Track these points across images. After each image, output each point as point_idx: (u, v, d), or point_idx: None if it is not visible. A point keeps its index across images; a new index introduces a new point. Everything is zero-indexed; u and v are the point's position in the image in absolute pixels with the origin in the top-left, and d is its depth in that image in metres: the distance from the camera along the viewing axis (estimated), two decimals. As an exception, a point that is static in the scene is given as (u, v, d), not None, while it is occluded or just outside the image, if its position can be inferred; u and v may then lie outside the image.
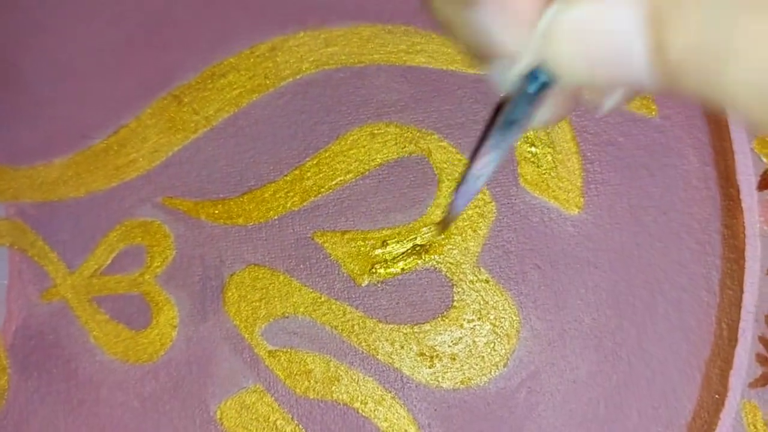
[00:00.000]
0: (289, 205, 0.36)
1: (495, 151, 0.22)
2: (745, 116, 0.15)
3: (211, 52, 0.37)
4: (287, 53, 0.37)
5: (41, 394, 0.36)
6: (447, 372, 0.34)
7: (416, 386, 0.34)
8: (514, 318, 0.34)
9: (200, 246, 0.36)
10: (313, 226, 0.35)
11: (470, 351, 0.34)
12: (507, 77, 0.21)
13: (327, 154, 0.36)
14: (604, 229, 0.34)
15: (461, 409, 0.34)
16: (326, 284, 0.35)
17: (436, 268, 0.34)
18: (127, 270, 0.37)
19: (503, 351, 0.34)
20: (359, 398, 0.34)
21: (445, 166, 0.35)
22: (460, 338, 0.34)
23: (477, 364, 0.34)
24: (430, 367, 0.34)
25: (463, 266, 0.34)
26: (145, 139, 0.37)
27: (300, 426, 0.34)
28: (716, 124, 0.34)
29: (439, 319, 0.34)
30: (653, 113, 0.34)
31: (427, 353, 0.34)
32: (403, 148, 0.35)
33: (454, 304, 0.34)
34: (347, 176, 0.36)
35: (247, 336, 0.35)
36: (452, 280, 0.34)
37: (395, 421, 0.34)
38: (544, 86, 0.19)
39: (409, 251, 0.35)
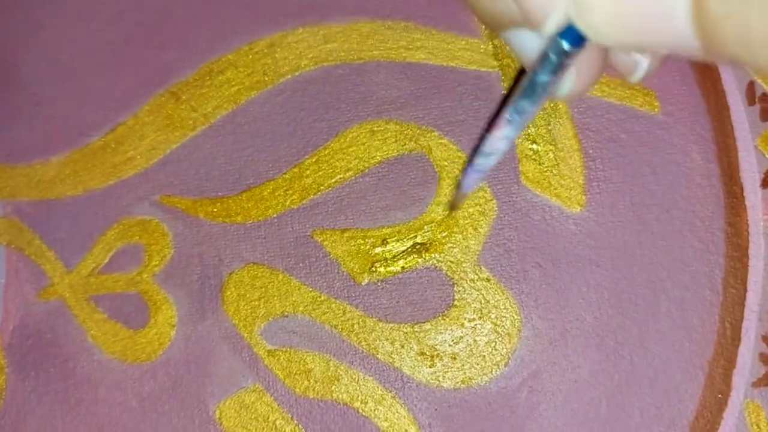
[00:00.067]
0: (288, 203, 0.35)
1: (510, 126, 0.21)
2: None
3: (209, 49, 0.37)
4: (286, 50, 0.36)
5: (39, 394, 0.36)
6: (448, 371, 0.34)
7: (417, 386, 0.34)
8: (516, 317, 0.34)
9: (199, 244, 0.36)
10: (312, 225, 0.35)
11: (471, 350, 0.34)
12: (531, 42, 0.20)
13: (326, 152, 0.36)
14: (606, 227, 0.34)
15: (462, 409, 0.33)
16: (326, 283, 0.35)
17: (436, 267, 0.34)
18: (125, 269, 0.36)
19: (504, 350, 0.34)
20: (359, 398, 0.34)
21: (446, 163, 0.35)
22: (461, 337, 0.34)
23: (478, 364, 0.34)
24: (430, 367, 0.34)
25: (464, 265, 0.34)
26: (143, 136, 0.37)
27: (300, 426, 0.34)
28: (720, 121, 0.34)
29: (440, 318, 0.34)
30: (656, 110, 0.34)
31: (427, 352, 0.34)
32: (403, 146, 0.35)
33: (455, 303, 0.34)
34: (347, 174, 0.35)
35: (246, 335, 0.35)
36: (453, 278, 0.34)
37: (395, 420, 0.34)
38: (574, 48, 0.18)
39: (410, 249, 0.34)
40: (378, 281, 0.35)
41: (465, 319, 0.34)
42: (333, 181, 0.35)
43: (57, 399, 0.36)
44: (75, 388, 0.36)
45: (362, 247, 0.35)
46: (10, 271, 0.37)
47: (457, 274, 0.34)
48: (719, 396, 0.32)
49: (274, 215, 0.36)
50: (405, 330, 0.34)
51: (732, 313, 0.33)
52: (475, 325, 0.34)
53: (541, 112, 0.34)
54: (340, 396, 0.34)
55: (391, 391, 0.34)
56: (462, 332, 0.34)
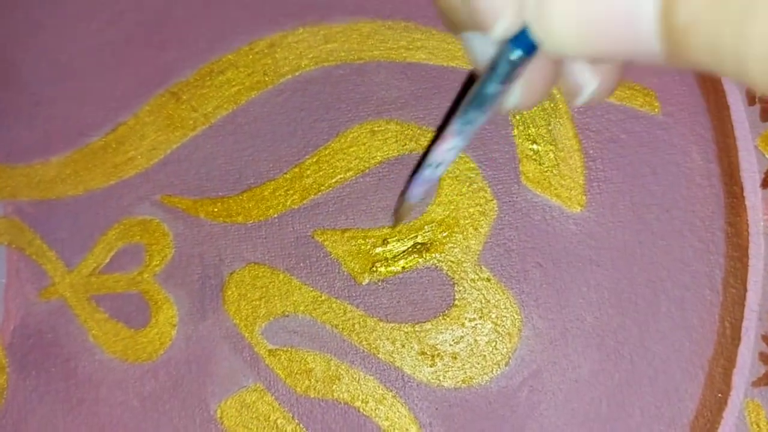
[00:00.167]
0: (288, 203, 0.36)
1: (459, 136, 0.20)
2: (756, 81, 0.13)
3: (209, 49, 0.37)
4: (286, 50, 0.36)
5: (40, 393, 0.36)
6: (448, 371, 0.34)
7: (417, 385, 0.34)
8: (516, 316, 0.34)
9: (199, 244, 0.36)
10: (313, 225, 0.35)
11: (472, 350, 0.34)
12: (483, 47, 0.19)
13: (327, 152, 0.36)
14: (607, 227, 0.34)
15: (462, 408, 0.34)
16: (326, 283, 0.35)
17: (437, 267, 0.34)
18: (125, 268, 0.36)
19: (505, 350, 0.34)
20: (360, 397, 0.34)
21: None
22: (462, 337, 0.34)
23: (478, 363, 0.34)
24: (431, 366, 0.34)
25: (465, 265, 0.34)
26: (144, 136, 0.37)
27: (301, 425, 0.34)
28: (720, 121, 0.34)
29: (441, 317, 0.34)
30: (656, 110, 0.34)
31: (428, 352, 0.34)
32: (403, 146, 0.35)
33: (456, 302, 0.34)
34: (347, 174, 0.35)
35: (247, 335, 0.35)
36: (453, 278, 0.34)
37: (396, 420, 0.34)
38: (525, 56, 0.18)
39: (410, 249, 0.34)
40: (379, 281, 0.35)
41: (466, 318, 0.34)
42: (333, 181, 0.35)
43: (58, 398, 0.36)
44: (76, 388, 0.36)
45: (363, 247, 0.35)
46: (11, 270, 0.37)
47: (457, 273, 0.34)
48: (719, 395, 0.32)
49: (275, 215, 0.36)
50: (406, 330, 0.34)
51: (732, 313, 0.33)
52: (476, 324, 0.34)
53: (542, 112, 0.34)
54: (341, 395, 0.34)
55: (391, 391, 0.34)
56: (463, 332, 0.34)
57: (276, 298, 0.35)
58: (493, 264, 0.34)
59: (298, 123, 0.36)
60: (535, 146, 0.34)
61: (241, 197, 0.36)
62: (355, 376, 0.34)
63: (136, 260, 0.36)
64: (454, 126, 0.20)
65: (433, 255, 0.34)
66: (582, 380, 0.33)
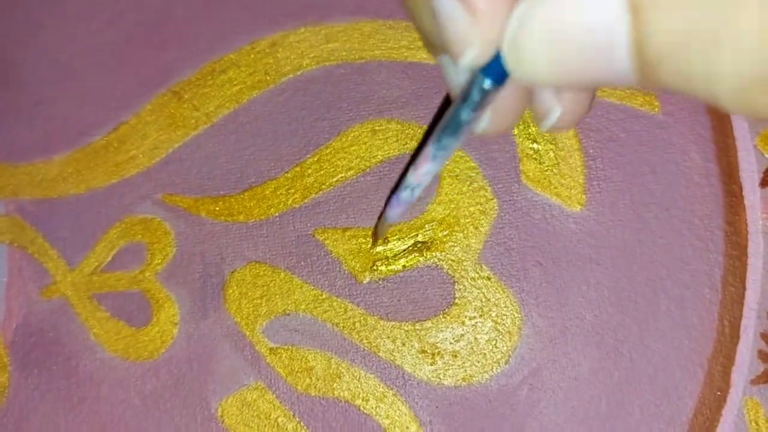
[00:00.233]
0: (290, 202, 0.36)
1: (434, 161, 0.21)
2: (726, 105, 0.14)
3: (210, 48, 0.37)
4: (288, 49, 0.37)
5: (41, 392, 0.36)
6: (448, 369, 0.34)
7: (418, 383, 0.34)
8: (516, 315, 0.34)
9: (201, 243, 0.36)
10: (314, 223, 0.35)
11: (472, 348, 0.34)
12: (457, 72, 0.19)
13: (328, 151, 0.36)
14: (606, 226, 0.34)
15: (463, 407, 0.34)
16: (327, 281, 0.35)
17: (437, 265, 0.34)
18: (127, 267, 0.36)
19: (505, 348, 0.34)
20: (361, 395, 0.34)
21: (447, 162, 0.35)
22: (462, 335, 0.34)
23: (479, 362, 0.34)
24: (431, 365, 0.34)
25: (465, 263, 0.34)
26: (145, 135, 0.37)
27: (301, 423, 0.34)
28: (719, 120, 0.34)
29: (441, 316, 0.34)
30: (656, 109, 0.34)
31: (428, 350, 0.34)
32: (404, 145, 0.35)
33: (456, 301, 0.34)
34: (348, 173, 0.35)
35: (248, 333, 0.35)
36: (454, 277, 0.34)
37: (397, 418, 0.34)
38: (496, 84, 0.18)
39: (411, 248, 0.34)
40: (379, 280, 0.35)
41: (466, 317, 0.34)
42: (334, 180, 0.35)
43: (59, 397, 0.36)
44: (77, 386, 0.36)
45: (363, 245, 0.35)
46: (12, 269, 0.37)
47: (458, 272, 0.34)
48: (718, 393, 0.32)
49: (276, 214, 0.36)
50: (406, 328, 0.34)
51: (731, 311, 0.33)
52: (476, 323, 0.34)
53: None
54: (342, 394, 0.34)
55: (392, 389, 0.34)
56: (463, 330, 0.34)
57: (277, 296, 0.35)
58: (493, 262, 0.34)
59: (299, 122, 0.36)
60: (535, 145, 0.35)
61: (242, 196, 0.36)
62: (355, 374, 0.34)
63: (138, 259, 0.36)
64: (429, 151, 0.20)
65: (434, 253, 0.34)
66: (582, 378, 0.33)
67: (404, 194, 0.23)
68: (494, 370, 0.34)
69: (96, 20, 0.38)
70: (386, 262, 0.35)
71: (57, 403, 0.36)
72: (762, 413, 0.32)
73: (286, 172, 0.36)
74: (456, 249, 0.34)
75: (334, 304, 0.35)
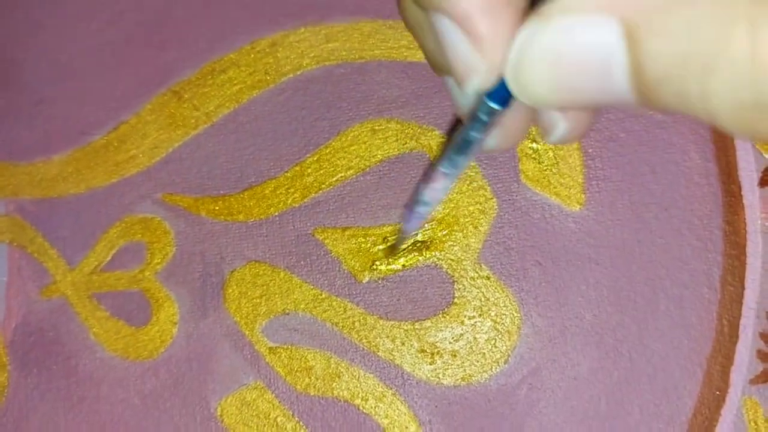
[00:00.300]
0: (289, 201, 0.36)
1: (447, 178, 0.22)
2: (725, 126, 0.14)
3: (210, 48, 0.37)
4: (288, 49, 0.37)
5: (41, 391, 0.36)
6: (448, 369, 0.34)
7: (417, 383, 0.34)
8: (515, 314, 0.34)
9: (200, 242, 0.36)
10: (313, 223, 0.35)
11: (471, 348, 0.34)
12: (465, 95, 0.20)
13: (327, 151, 0.36)
14: (606, 226, 0.34)
15: (462, 406, 0.34)
16: (327, 281, 0.35)
17: (437, 265, 0.34)
18: (127, 266, 0.36)
19: (504, 348, 0.34)
20: (360, 395, 0.34)
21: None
22: (461, 335, 0.34)
23: (478, 361, 0.34)
24: (430, 364, 0.34)
25: (464, 263, 0.34)
26: (145, 135, 0.37)
27: (301, 423, 0.34)
28: (718, 121, 0.34)
29: (440, 315, 0.34)
30: (655, 109, 0.34)
31: (427, 350, 0.34)
32: (404, 145, 0.35)
33: (455, 300, 0.34)
34: (348, 173, 0.35)
35: (247, 333, 0.35)
36: (453, 276, 0.34)
37: (396, 417, 0.34)
38: (502, 107, 0.18)
39: (410, 248, 0.34)
40: (379, 279, 0.35)
41: (465, 316, 0.34)
42: (334, 179, 0.36)
43: (59, 396, 0.36)
44: (77, 386, 0.36)
45: (363, 245, 0.35)
46: (12, 268, 0.37)
47: (457, 272, 0.34)
48: (717, 393, 0.32)
49: (276, 213, 0.36)
50: (405, 327, 0.34)
51: (730, 311, 0.33)
52: (475, 322, 0.34)
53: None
54: (341, 393, 0.34)
55: (391, 389, 0.34)
56: (462, 330, 0.34)
57: (276, 296, 0.35)
58: (492, 262, 0.34)
59: (299, 122, 0.36)
60: (534, 145, 0.35)
61: (242, 195, 0.36)
62: (354, 373, 0.34)
63: (138, 258, 0.36)
64: (441, 168, 0.21)
65: (433, 253, 0.34)
66: (581, 378, 0.33)
67: (419, 209, 0.24)
68: (493, 369, 0.34)
69: (96, 20, 0.38)
70: (386, 262, 0.35)
71: (57, 402, 0.36)
72: (761, 413, 0.32)
73: (286, 172, 0.36)
74: (455, 248, 0.34)
75: (334, 303, 0.35)
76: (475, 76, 0.18)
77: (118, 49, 0.38)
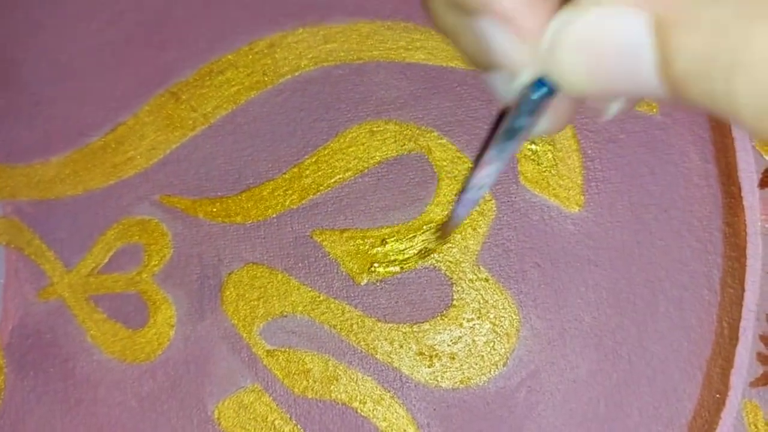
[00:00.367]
0: (287, 203, 0.36)
1: (496, 162, 0.22)
2: (749, 128, 0.14)
3: (208, 49, 0.37)
4: (286, 50, 0.37)
5: (38, 394, 0.36)
6: (446, 371, 0.34)
7: (415, 386, 0.34)
8: (514, 317, 0.34)
9: (198, 244, 0.36)
10: (311, 225, 0.35)
11: (470, 350, 0.34)
12: (509, 87, 0.21)
13: (326, 152, 0.36)
14: (605, 227, 0.34)
15: (460, 409, 0.33)
16: (325, 283, 0.35)
17: (435, 267, 0.34)
18: (124, 268, 0.36)
19: (503, 350, 0.34)
20: (358, 398, 0.34)
21: (445, 164, 0.35)
22: (460, 337, 0.34)
23: (476, 364, 0.34)
24: (429, 367, 0.34)
25: (463, 265, 0.34)
26: (143, 136, 0.37)
27: (298, 426, 0.34)
28: (718, 121, 0.34)
29: (439, 318, 0.34)
30: (654, 110, 0.34)
31: (426, 352, 0.34)
32: (402, 146, 0.35)
33: (454, 302, 0.34)
34: (346, 174, 0.35)
35: (245, 335, 0.35)
36: (452, 278, 0.34)
37: (394, 420, 0.34)
38: (547, 96, 0.19)
39: (417, 255, 0.34)
40: (377, 281, 0.35)
41: (464, 319, 0.34)
42: (332, 181, 0.35)
43: (56, 399, 0.36)
44: (74, 388, 0.36)
45: (361, 247, 0.35)
46: (9, 270, 0.37)
47: (455, 274, 0.34)
48: (717, 396, 0.32)
49: (274, 215, 0.36)
50: (404, 330, 0.34)
51: (730, 313, 0.33)
52: (474, 325, 0.34)
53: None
54: (339, 396, 0.34)
55: (389, 391, 0.34)
56: (461, 332, 0.34)
57: (274, 298, 0.35)
58: (491, 264, 0.34)
59: (297, 123, 0.36)
60: (533, 146, 0.35)
61: (240, 197, 0.36)
62: (353, 376, 0.34)
63: (135, 260, 0.36)
64: (490, 154, 0.22)
65: (432, 255, 0.34)
66: (580, 380, 0.33)
67: (469, 194, 0.24)
68: (492, 372, 0.34)
69: (95, 21, 0.38)
70: (384, 264, 0.35)
71: (54, 405, 0.36)
72: (761, 416, 0.32)
73: (284, 173, 0.36)
74: (454, 250, 0.34)
75: (332, 305, 0.35)
76: (522, 69, 0.18)
77: (118, 50, 0.38)
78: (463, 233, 0.34)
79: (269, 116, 0.36)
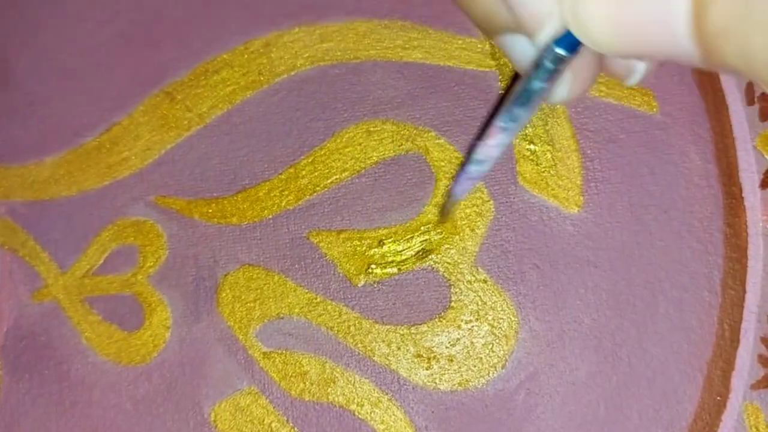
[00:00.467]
0: (283, 204, 0.35)
1: (504, 133, 0.21)
2: None
3: (204, 48, 0.37)
4: (282, 49, 0.36)
5: (33, 396, 0.36)
6: (444, 374, 0.33)
7: (413, 388, 0.34)
8: (513, 319, 0.33)
9: (194, 246, 0.36)
10: (308, 226, 0.35)
11: (468, 352, 0.33)
12: (525, 48, 0.20)
13: (322, 152, 0.35)
14: (604, 228, 0.33)
15: (459, 411, 0.33)
16: (322, 284, 0.35)
17: (433, 268, 0.34)
18: (119, 270, 0.36)
19: (501, 352, 0.33)
20: (355, 400, 0.34)
21: (443, 164, 0.34)
22: (458, 339, 0.34)
23: (475, 366, 0.33)
24: (427, 369, 0.34)
25: (461, 266, 0.34)
26: (138, 137, 0.37)
27: (295, 428, 0.34)
28: (718, 121, 0.34)
29: (437, 320, 0.34)
30: (654, 110, 0.34)
31: (424, 354, 0.34)
32: (399, 146, 0.35)
33: (452, 304, 0.34)
34: (343, 174, 0.35)
35: (241, 337, 0.35)
36: (450, 280, 0.34)
37: (392, 423, 0.33)
38: (568, 55, 0.18)
39: (415, 256, 0.34)
40: (374, 283, 0.34)
41: (462, 320, 0.34)
42: (329, 181, 0.35)
43: (51, 401, 0.36)
44: (69, 391, 0.36)
45: (358, 248, 0.35)
46: (3, 272, 0.37)
47: (454, 275, 0.34)
48: (718, 398, 0.32)
49: (270, 216, 0.35)
50: (401, 332, 0.34)
51: (731, 315, 0.32)
52: (472, 326, 0.34)
53: (539, 112, 0.34)
54: (336, 398, 0.34)
55: (387, 394, 0.34)
56: (459, 334, 0.34)
57: (271, 300, 0.35)
58: (489, 265, 0.34)
59: (293, 123, 0.36)
60: (532, 146, 0.34)
61: (235, 198, 0.36)
62: (350, 379, 0.34)
63: (130, 261, 0.36)
64: (499, 122, 0.20)
65: (430, 256, 0.34)
66: (579, 383, 0.33)
67: (473, 168, 0.23)
68: (491, 374, 0.33)
69: (91, 20, 0.38)
70: (381, 265, 0.34)
71: (48, 407, 0.36)
72: (762, 418, 0.31)
73: (280, 174, 0.35)
74: (452, 251, 0.34)
75: (329, 307, 0.34)
76: (547, 22, 0.17)
77: (112, 50, 0.37)
78: (462, 234, 0.34)
79: (265, 116, 0.36)
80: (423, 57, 0.35)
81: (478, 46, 0.35)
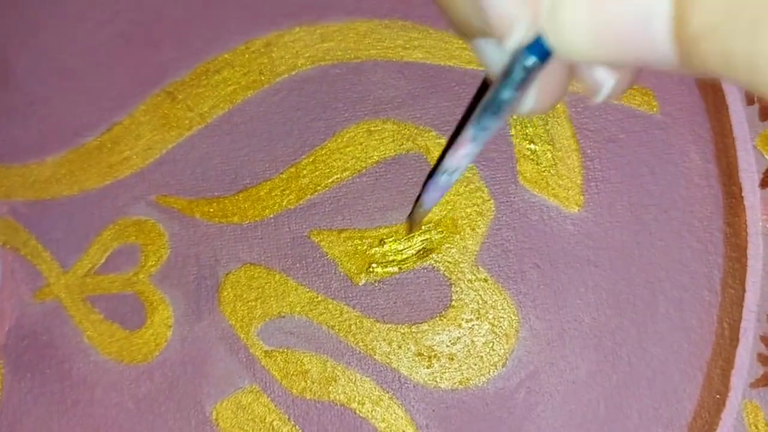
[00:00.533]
0: (284, 203, 0.35)
1: (474, 142, 0.20)
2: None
3: (205, 48, 0.37)
4: (282, 49, 0.36)
5: (35, 395, 0.36)
6: (445, 372, 0.34)
7: (414, 386, 0.34)
8: (513, 317, 0.33)
9: (195, 245, 0.36)
10: (309, 225, 0.35)
11: (469, 351, 0.34)
12: (496, 54, 0.19)
13: (323, 152, 0.35)
14: (605, 228, 0.33)
15: (459, 410, 0.33)
16: (323, 283, 0.35)
17: (434, 267, 0.34)
18: (121, 269, 0.36)
19: (502, 351, 0.33)
20: (356, 399, 0.34)
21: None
22: (459, 338, 0.34)
23: (475, 364, 0.33)
24: (428, 367, 0.34)
25: (462, 265, 0.34)
26: (139, 136, 0.37)
27: (297, 427, 0.34)
28: (718, 121, 0.34)
29: (437, 318, 0.34)
30: (654, 109, 0.34)
31: (425, 353, 0.34)
32: (400, 146, 0.35)
33: (453, 303, 0.34)
34: (344, 174, 0.35)
35: (242, 336, 0.35)
36: (450, 279, 0.34)
37: (393, 421, 0.34)
38: (539, 61, 0.17)
39: (414, 255, 0.34)
40: (375, 282, 0.34)
41: (462, 319, 0.34)
42: (330, 181, 0.35)
43: (53, 400, 0.36)
44: (71, 390, 0.36)
45: (359, 247, 0.35)
46: (5, 271, 0.37)
47: (454, 274, 0.34)
48: (717, 397, 0.32)
49: (271, 215, 0.35)
50: (402, 331, 0.34)
51: (730, 314, 0.32)
52: (473, 325, 0.34)
53: (539, 112, 0.34)
54: (338, 397, 0.34)
55: (388, 392, 0.34)
56: (459, 333, 0.34)
57: (272, 298, 0.35)
58: (490, 264, 0.34)
59: (294, 122, 0.36)
60: (532, 146, 0.34)
61: (236, 197, 0.36)
62: (351, 377, 0.34)
63: (132, 261, 0.36)
64: (469, 132, 0.20)
65: (430, 255, 0.34)
66: (579, 381, 0.33)
67: (442, 178, 0.22)
68: (491, 373, 0.33)
69: (91, 20, 0.38)
70: (382, 264, 0.34)
71: (50, 406, 0.36)
72: (761, 417, 0.32)
73: (281, 173, 0.36)
74: (453, 251, 0.34)
75: (330, 306, 0.34)
76: (516, 27, 0.17)
77: (113, 49, 0.37)
78: (462, 234, 0.34)
79: (266, 116, 0.36)
80: (424, 57, 0.35)
81: (479, 45, 0.35)
